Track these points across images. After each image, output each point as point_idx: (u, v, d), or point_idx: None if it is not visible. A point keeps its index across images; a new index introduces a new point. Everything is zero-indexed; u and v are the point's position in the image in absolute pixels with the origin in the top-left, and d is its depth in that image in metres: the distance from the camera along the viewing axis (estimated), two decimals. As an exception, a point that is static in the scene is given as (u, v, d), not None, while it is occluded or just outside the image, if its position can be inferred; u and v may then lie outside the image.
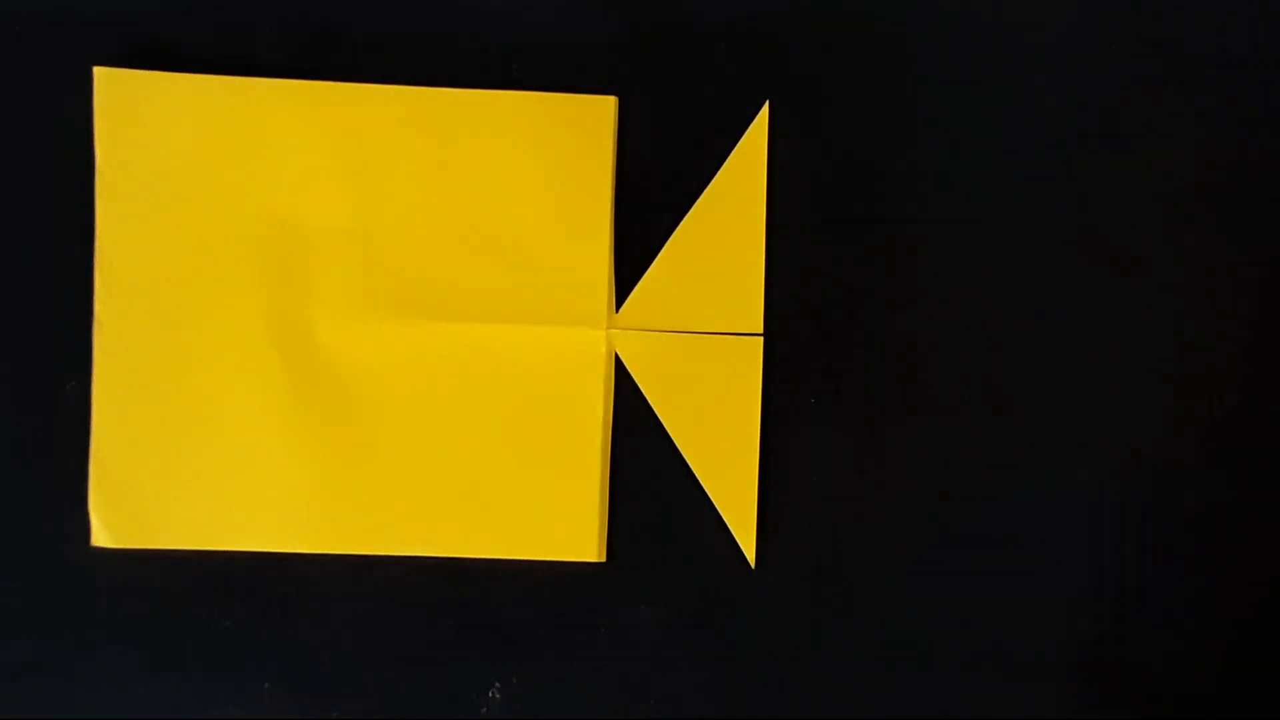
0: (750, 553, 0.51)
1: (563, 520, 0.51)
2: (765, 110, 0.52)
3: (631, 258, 0.52)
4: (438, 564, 0.51)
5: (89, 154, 0.50)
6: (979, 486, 0.53)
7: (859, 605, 0.52)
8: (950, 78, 0.53)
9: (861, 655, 0.53)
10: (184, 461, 0.50)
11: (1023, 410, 0.53)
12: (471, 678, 0.51)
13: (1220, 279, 0.54)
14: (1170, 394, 0.53)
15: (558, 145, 0.51)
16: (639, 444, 0.52)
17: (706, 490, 0.51)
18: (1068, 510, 0.53)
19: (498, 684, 0.51)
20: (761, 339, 0.51)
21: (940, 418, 0.53)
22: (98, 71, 0.49)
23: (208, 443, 0.50)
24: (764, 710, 0.52)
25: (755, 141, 0.52)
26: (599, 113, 0.51)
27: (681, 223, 0.52)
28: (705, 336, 0.51)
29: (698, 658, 0.52)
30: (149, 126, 0.50)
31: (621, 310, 0.51)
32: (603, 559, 0.51)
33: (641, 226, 0.52)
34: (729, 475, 0.51)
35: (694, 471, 0.51)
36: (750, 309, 0.52)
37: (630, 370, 0.51)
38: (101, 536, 0.50)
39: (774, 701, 0.52)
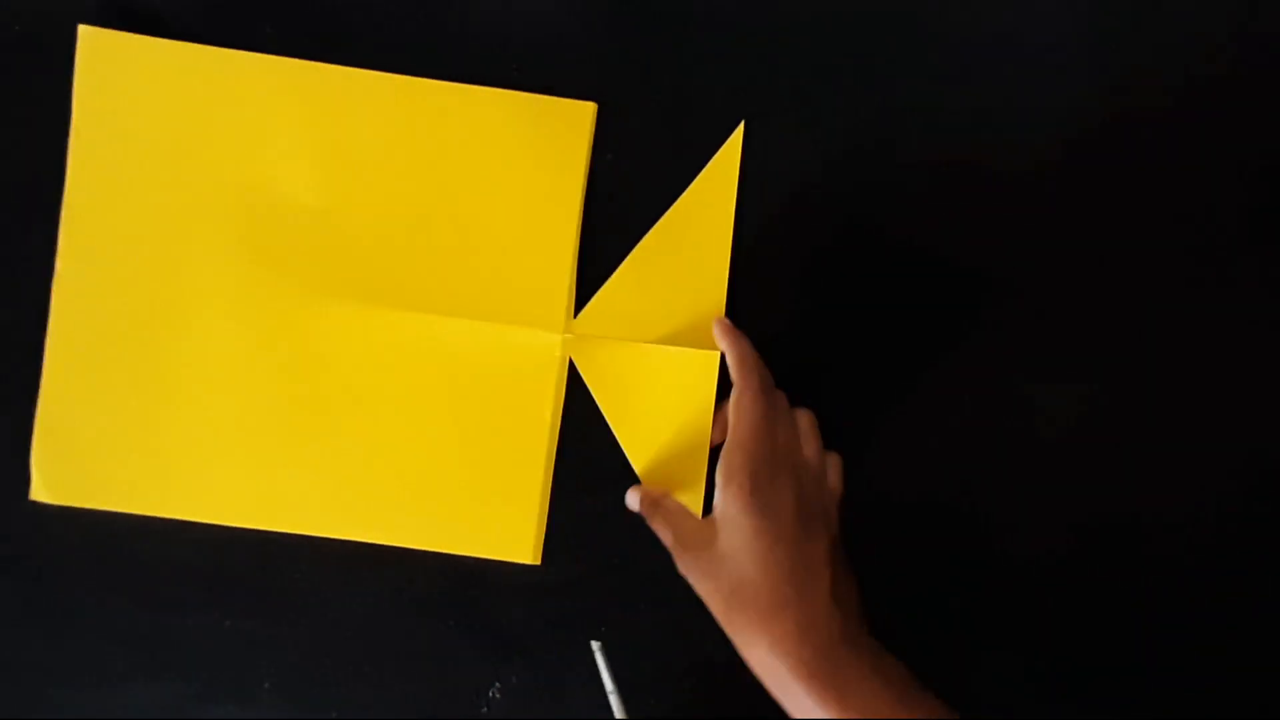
0: None
1: (502, 520, 0.51)
2: (740, 130, 0.52)
3: (596, 264, 0.52)
4: (438, 564, 0.51)
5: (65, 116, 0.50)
6: (972, 485, 0.53)
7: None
8: (932, 86, 0.53)
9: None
10: (132, 424, 0.50)
11: (1024, 408, 0.53)
12: (471, 678, 0.51)
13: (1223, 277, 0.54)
14: (1174, 390, 0.53)
15: (533, 146, 0.51)
16: (589, 450, 0.51)
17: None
18: (1071, 506, 0.53)
19: (498, 684, 0.51)
20: (719, 354, 0.51)
21: (926, 429, 0.53)
22: (82, 29, 0.49)
23: (158, 407, 0.50)
24: (764, 710, 0.51)
25: (728, 159, 0.52)
26: (577, 117, 0.51)
27: (647, 234, 0.52)
28: (662, 348, 0.51)
29: (698, 657, 0.52)
30: (129, 88, 0.50)
31: (579, 316, 0.51)
32: (538, 562, 0.51)
33: (609, 234, 0.52)
34: (672, 486, 0.51)
35: (640, 481, 0.51)
36: (708, 326, 0.51)
37: (584, 377, 0.51)
38: (40, 491, 0.50)
39: (775, 701, 0.52)
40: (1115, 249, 0.53)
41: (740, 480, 0.45)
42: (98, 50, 0.50)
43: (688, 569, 0.47)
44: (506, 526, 0.51)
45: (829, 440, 0.49)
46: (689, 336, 0.51)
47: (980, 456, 0.53)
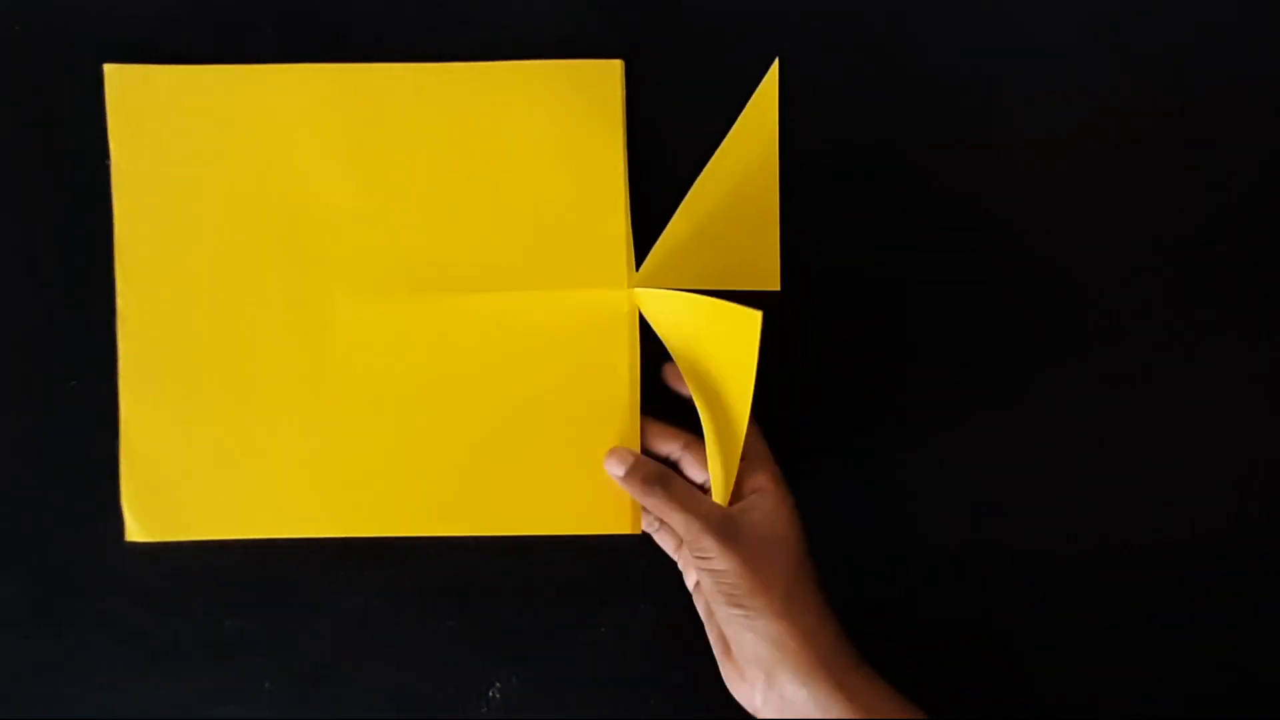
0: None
1: (597, 492, 0.50)
2: (775, 67, 0.51)
3: (649, 217, 0.51)
4: (438, 564, 0.51)
5: (88, 154, 0.50)
6: (988, 477, 0.52)
7: (872, 591, 0.51)
8: (966, 29, 0.52)
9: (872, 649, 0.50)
10: (213, 452, 0.50)
11: (1028, 400, 0.52)
12: (471, 678, 0.51)
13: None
14: (1175, 390, 0.52)
15: (567, 111, 0.50)
16: (669, 405, 0.50)
17: (709, 454, 0.48)
18: (1075, 504, 0.52)
19: (498, 684, 0.51)
20: (760, 314, 0.47)
21: (957, 380, 0.52)
22: (108, 68, 0.50)
23: (236, 432, 0.50)
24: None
25: (766, 98, 0.51)
26: (606, 76, 0.51)
27: (697, 180, 0.51)
28: (709, 300, 0.48)
29: (697, 657, 0.50)
30: (161, 120, 0.50)
31: (641, 269, 0.50)
32: (638, 532, 0.50)
33: (656, 184, 0.51)
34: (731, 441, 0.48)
35: (703, 430, 0.48)
36: (768, 265, 0.51)
37: (655, 328, 0.50)
38: (135, 531, 0.50)
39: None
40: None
41: (773, 469, 0.47)
42: (125, 86, 0.50)
43: (706, 546, 0.45)
44: (602, 499, 0.50)
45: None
46: (750, 278, 0.51)
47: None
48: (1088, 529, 0.52)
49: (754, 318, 0.45)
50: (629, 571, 0.51)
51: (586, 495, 0.50)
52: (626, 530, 0.50)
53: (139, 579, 0.50)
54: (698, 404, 0.48)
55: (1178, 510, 0.52)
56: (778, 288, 0.51)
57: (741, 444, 0.47)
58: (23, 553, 0.50)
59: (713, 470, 0.47)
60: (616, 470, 0.48)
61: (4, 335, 0.51)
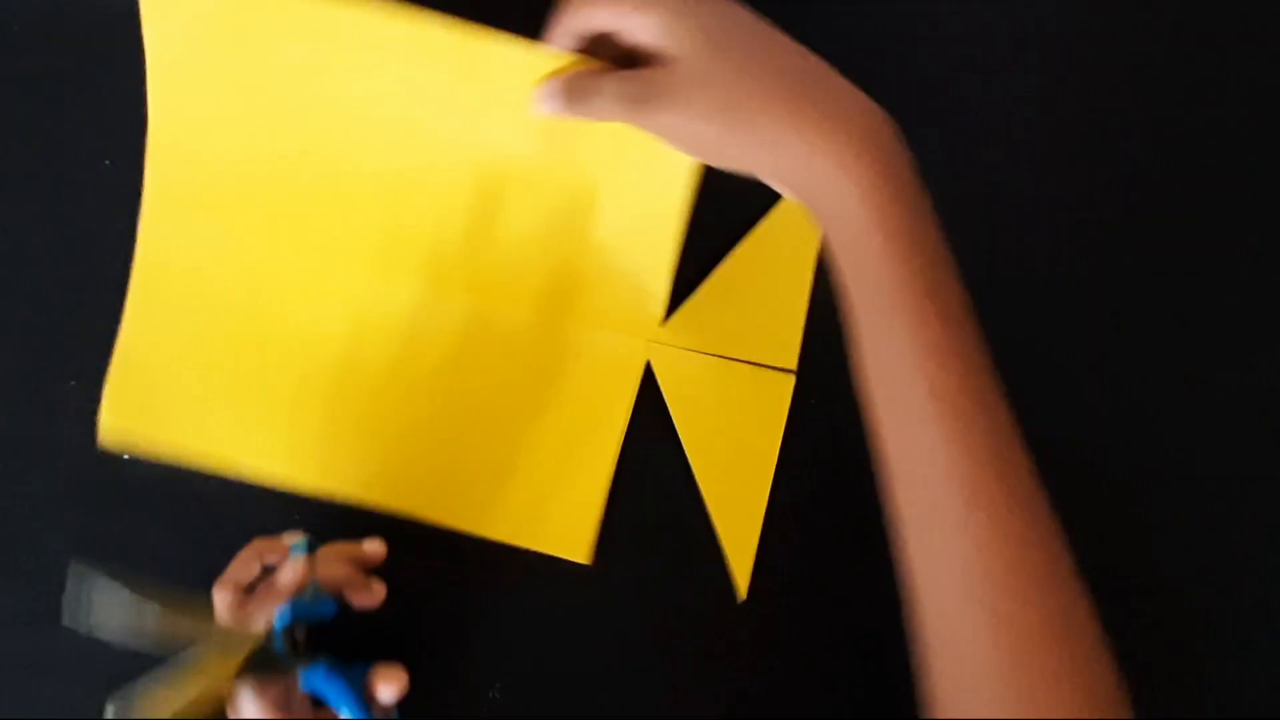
0: (743, 585, 0.50)
1: (563, 518, 0.50)
2: None
3: (690, 269, 0.50)
4: (437, 564, 0.51)
5: (93, 155, 0.49)
6: None
7: (847, 628, 0.52)
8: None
9: (857, 663, 0.52)
10: (206, 374, 0.50)
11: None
12: (471, 678, 0.51)
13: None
14: (1177, 393, 0.53)
15: (643, 149, 0.44)
16: (656, 457, 0.51)
17: (710, 515, 0.50)
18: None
19: (498, 684, 0.51)
20: (793, 378, 0.50)
21: None
22: None
23: (233, 360, 0.50)
24: (764, 710, 0.52)
25: None
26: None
27: (734, 249, 0.50)
28: (740, 365, 0.50)
29: (698, 657, 0.51)
30: (199, 37, 0.46)
31: (665, 325, 0.50)
32: (589, 562, 0.51)
33: (695, 248, 0.50)
34: (736, 505, 0.50)
35: (701, 494, 0.50)
36: (788, 344, 0.51)
37: (661, 385, 0.50)
38: (109, 432, 0.50)
39: (772, 703, 0.52)
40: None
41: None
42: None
43: (660, 112, 0.37)
44: (566, 525, 0.50)
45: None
46: (769, 353, 0.51)
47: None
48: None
49: (786, 382, 0.49)
50: (629, 570, 0.51)
51: (553, 518, 0.50)
52: (582, 560, 0.51)
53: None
54: (698, 468, 0.49)
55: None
56: (794, 367, 0.51)
57: (761, 513, 0.49)
58: (23, 552, 0.50)
59: (726, 544, 0.49)
60: (550, 104, 0.41)
61: (4, 335, 0.50)
